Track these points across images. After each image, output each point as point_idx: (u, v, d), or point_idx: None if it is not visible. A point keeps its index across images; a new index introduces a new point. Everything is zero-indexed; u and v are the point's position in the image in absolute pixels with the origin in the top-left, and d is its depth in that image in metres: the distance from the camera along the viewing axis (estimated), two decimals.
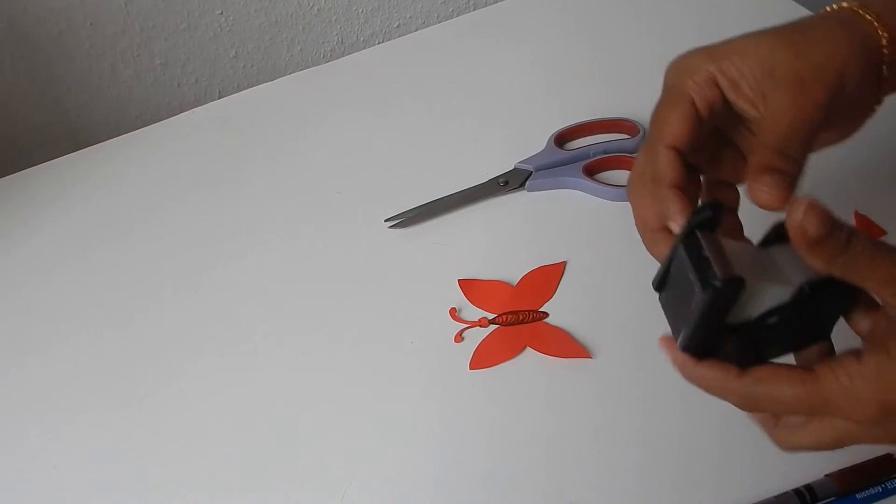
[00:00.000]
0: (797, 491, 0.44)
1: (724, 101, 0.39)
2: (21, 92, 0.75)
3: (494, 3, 0.79)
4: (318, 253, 0.59)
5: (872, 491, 0.44)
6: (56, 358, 0.55)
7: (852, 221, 0.55)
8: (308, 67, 0.78)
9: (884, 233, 0.54)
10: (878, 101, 0.42)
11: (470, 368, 0.51)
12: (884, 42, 0.39)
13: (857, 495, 0.44)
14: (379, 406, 0.50)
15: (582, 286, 0.55)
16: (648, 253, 0.40)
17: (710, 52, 0.39)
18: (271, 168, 0.65)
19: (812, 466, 0.45)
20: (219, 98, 0.75)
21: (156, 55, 0.78)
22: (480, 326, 0.53)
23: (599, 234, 0.57)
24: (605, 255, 0.56)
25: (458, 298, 0.55)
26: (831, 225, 0.31)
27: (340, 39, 0.85)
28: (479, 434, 0.49)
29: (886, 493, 0.44)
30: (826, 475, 0.44)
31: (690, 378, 0.36)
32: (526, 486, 0.46)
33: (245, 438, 0.50)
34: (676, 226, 0.37)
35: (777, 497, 0.44)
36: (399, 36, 0.81)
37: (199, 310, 0.57)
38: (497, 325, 0.53)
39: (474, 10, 0.85)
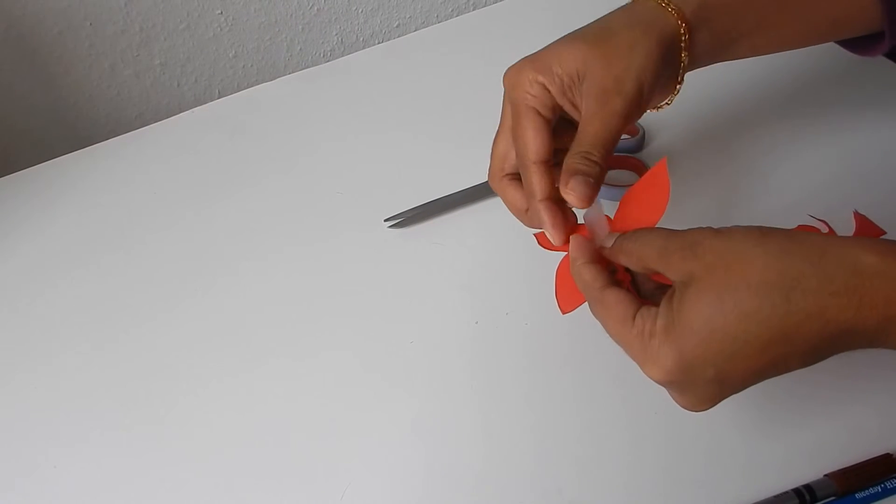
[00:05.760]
0: (797, 490, 0.44)
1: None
2: (21, 92, 0.75)
3: (494, 3, 0.79)
4: (317, 253, 0.59)
5: (872, 491, 0.44)
6: (54, 360, 0.55)
7: (852, 221, 0.55)
8: (308, 67, 0.78)
9: (883, 232, 0.54)
10: (679, 82, 0.46)
11: (563, 312, 0.45)
12: (682, 31, 0.44)
13: (856, 495, 0.44)
14: (378, 406, 0.50)
15: None
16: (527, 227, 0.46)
17: (534, 63, 0.43)
18: (271, 168, 0.66)
19: (811, 466, 0.45)
20: (218, 98, 0.75)
21: (155, 55, 0.78)
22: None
23: None
24: None
25: (459, 298, 0.55)
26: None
27: (340, 39, 0.85)
28: (477, 434, 0.49)
29: (886, 493, 0.44)
30: (825, 475, 0.44)
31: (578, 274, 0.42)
32: (524, 486, 0.46)
33: (244, 439, 0.50)
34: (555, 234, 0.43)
35: (776, 497, 0.44)
36: (399, 36, 0.81)
37: (199, 309, 0.57)
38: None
39: (474, 9, 0.85)
